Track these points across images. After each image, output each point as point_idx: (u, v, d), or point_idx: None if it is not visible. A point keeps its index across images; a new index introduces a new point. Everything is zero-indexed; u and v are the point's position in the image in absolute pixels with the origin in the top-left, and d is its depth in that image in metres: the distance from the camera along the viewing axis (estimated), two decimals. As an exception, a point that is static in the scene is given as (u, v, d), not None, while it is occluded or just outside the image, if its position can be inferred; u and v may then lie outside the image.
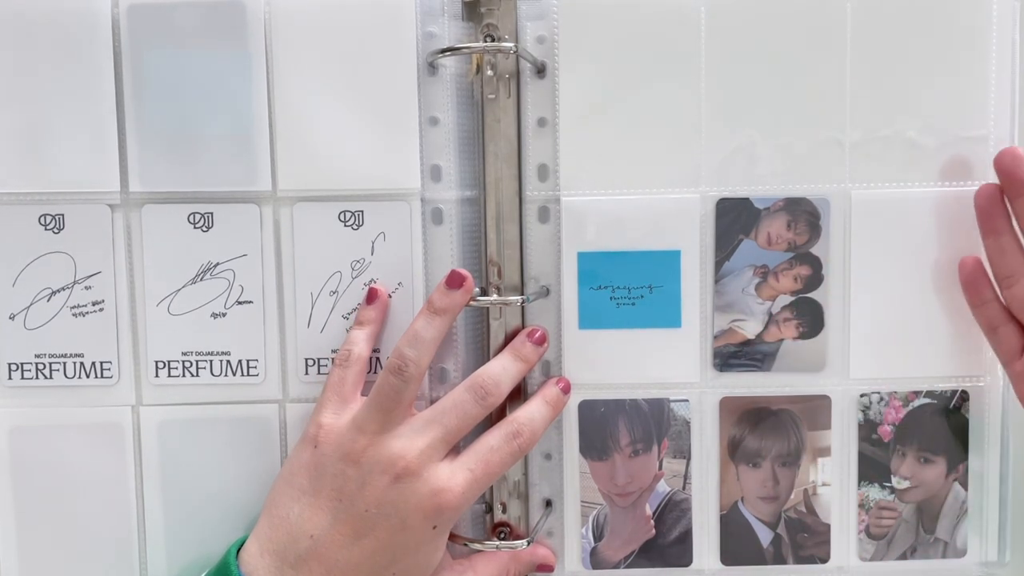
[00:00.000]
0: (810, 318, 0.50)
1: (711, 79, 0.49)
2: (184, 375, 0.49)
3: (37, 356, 0.49)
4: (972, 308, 0.48)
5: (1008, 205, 0.47)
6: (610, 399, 0.50)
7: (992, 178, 0.48)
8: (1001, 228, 0.47)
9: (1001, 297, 0.48)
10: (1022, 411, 0.49)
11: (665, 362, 0.50)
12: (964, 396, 0.50)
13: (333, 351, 0.49)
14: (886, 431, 0.50)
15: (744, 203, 0.49)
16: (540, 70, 0.49)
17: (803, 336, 0.50)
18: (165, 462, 0.50)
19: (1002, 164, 0.47)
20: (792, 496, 0.50)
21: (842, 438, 0.50)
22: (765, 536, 0.51)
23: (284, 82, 0.48)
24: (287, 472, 0.46)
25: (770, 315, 0.50)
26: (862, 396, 0.50)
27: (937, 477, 0.50)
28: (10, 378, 0.49)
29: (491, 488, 0.50)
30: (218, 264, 0.49)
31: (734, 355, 0.50)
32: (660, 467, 0.50)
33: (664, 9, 0.48)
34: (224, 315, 0.49)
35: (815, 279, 0.49)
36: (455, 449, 0.46)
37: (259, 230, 0.49)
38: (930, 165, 0.49)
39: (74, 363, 0.49)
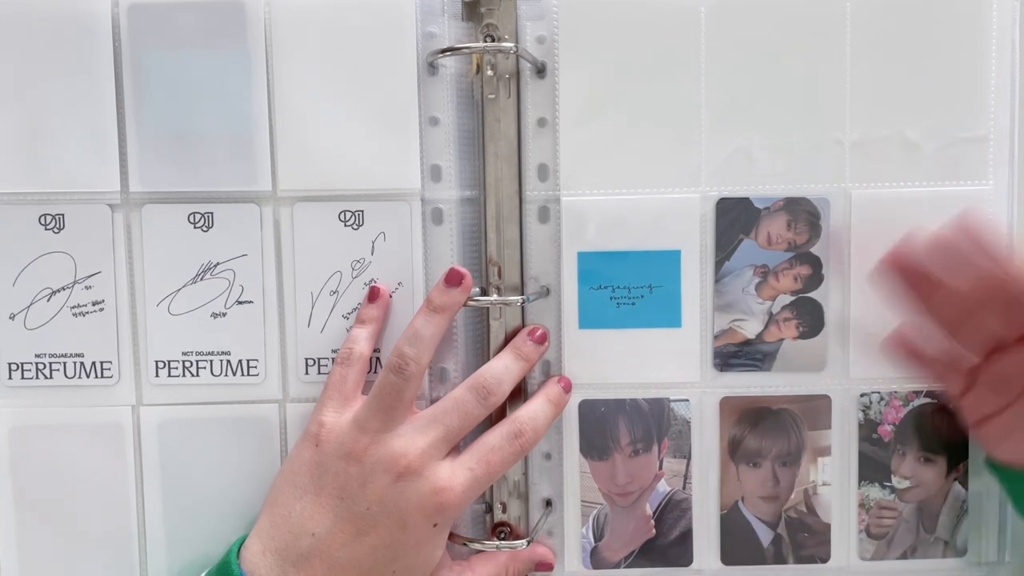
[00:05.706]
0: (810, 318, 0.50)
1: (711, 79, 0.49)
2: (184, 375, 0.49)
3: (37, 356, 0.49)
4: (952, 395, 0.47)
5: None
6: (610, 399, 0.50)
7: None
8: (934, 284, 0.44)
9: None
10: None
11: (665, 362, 0.50)
12: (964, 396, 0.50)
13: (333, 351, 0.49)
14: (886, 431, 0.50)
15: (744, 203, 0.49)
16: (540, 70, 0.49)
17: (803, 336, 0.50)
18: (165, 462, 0.50)
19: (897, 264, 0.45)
20: (792, 496, 0.50)
21: (842, 438, 0.50)
22: (765, 536, 0.51)
23: (284, 82, 0.48)
24: (288, 470, 0.46)
25: (770, 315, 0.50)
26: (862, 396, 0.50)
27: (937, 477, 0.50)
28: (10, 378, 0.49)
29: (491, 488, 0.50)
30: (218, 264, 0.49)
31: (734, 355, 0.50)
32: (660, 467, 0.50)
33: (664, 9, 0.49)
34: (224, 315, 0.49)
35: (815, 279, 0.49)
36: (456, 448, 0.46)
37: (259, 230, 0.49)
38: (930, 165, 0.49)
39: (74, 363, 0.49)
